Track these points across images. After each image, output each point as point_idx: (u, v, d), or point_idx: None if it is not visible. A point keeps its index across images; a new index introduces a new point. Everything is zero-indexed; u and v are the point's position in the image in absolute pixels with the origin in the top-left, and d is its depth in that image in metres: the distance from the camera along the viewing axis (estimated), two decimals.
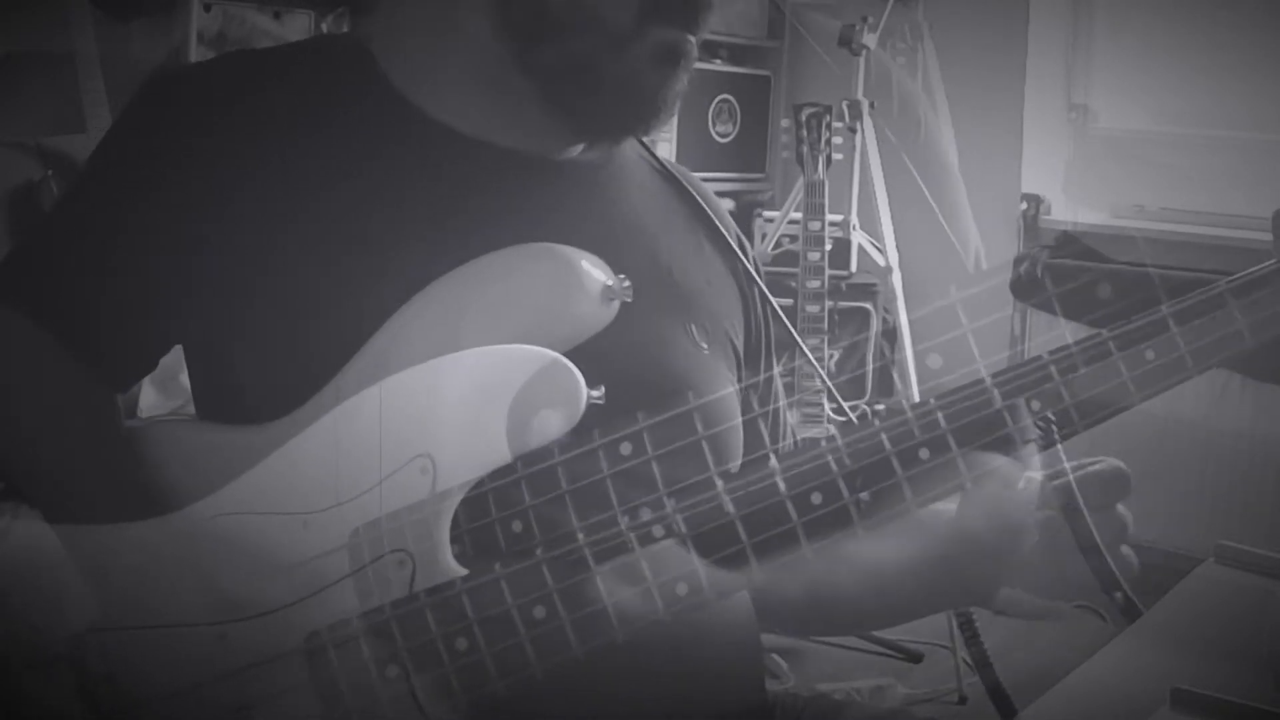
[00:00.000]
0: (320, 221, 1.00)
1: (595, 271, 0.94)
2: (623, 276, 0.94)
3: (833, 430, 0.90)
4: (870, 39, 3.24)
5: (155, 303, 1.02)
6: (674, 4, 1.03)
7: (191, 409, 1.10)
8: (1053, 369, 0.88)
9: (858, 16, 3.26)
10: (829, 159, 3.13)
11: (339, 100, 1.06)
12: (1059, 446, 0.90)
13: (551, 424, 0.90)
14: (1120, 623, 0.94)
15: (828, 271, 3.09)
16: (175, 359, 1.09)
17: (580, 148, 1.11)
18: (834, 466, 0.89)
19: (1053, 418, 0.89)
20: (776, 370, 1.25)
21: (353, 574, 0.90)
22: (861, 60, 3.25)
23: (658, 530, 0.88)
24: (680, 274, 1.14)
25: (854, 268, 3.34)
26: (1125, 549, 0.97)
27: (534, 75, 1.03)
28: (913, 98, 3.56)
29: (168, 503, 0.95)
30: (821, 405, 2.98)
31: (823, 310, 3.06)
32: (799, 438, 1.27)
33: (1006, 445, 0.89)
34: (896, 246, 3.27)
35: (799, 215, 3.13)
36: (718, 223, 1.21)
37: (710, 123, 3.76)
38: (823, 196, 3.10)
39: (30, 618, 0.95)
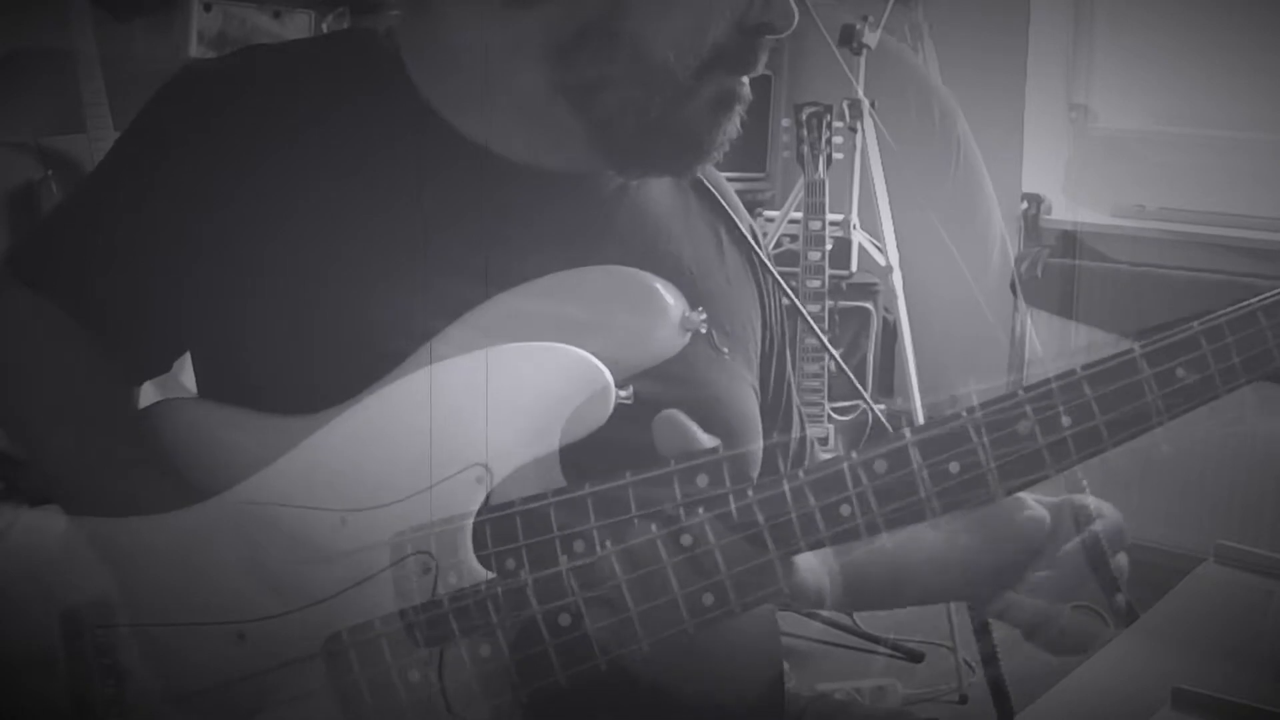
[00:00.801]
0: (339, 227, 1.00)
1: (675, 300, 0.94)
2: (700, 309, 0.95)
3: (829, 429, 0.90)
4: (871, 38, 3.24)
5: (172, 298, 1.02)
6: (738, 53, 1.02)
7: None
8: (1085, 385, 0.85)
9: (858, 16, 3.26)
10: (829, 158, 3.13)
11: (355, 99, 1.05)
12: (1084, 482, 0.90)
13: (581, 423, 0.90)
14: (1120, 625, 0.94)
15: (828, 271, 3.09)
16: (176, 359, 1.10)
17: (611, 175, 1.10)
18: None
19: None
20: (788, 365, 1.25)
21: (368, 579, 0.90)
22: (862, 59, 3.25)
23: (685, 539, 0.86)
24: (703, 277, 1.13)
25: (854, 267, 3.33)
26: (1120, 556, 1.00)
27: (588, 119, 1.02)
28: (929, 90, 3.55)
29: (186, 486, 0.95)
30: (822, 405, 2.98)
31: (823, 309, 3.06)
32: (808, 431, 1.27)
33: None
34: (897, 246, 3.26)
35: (799, 215, 3.13)
36: (734, 216, 1.20)
37: None
38: (823, 196, 3.10)
39: (31, 616, 0.95)
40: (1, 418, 1.06)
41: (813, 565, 1.05)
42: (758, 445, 1.10)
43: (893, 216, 3.26)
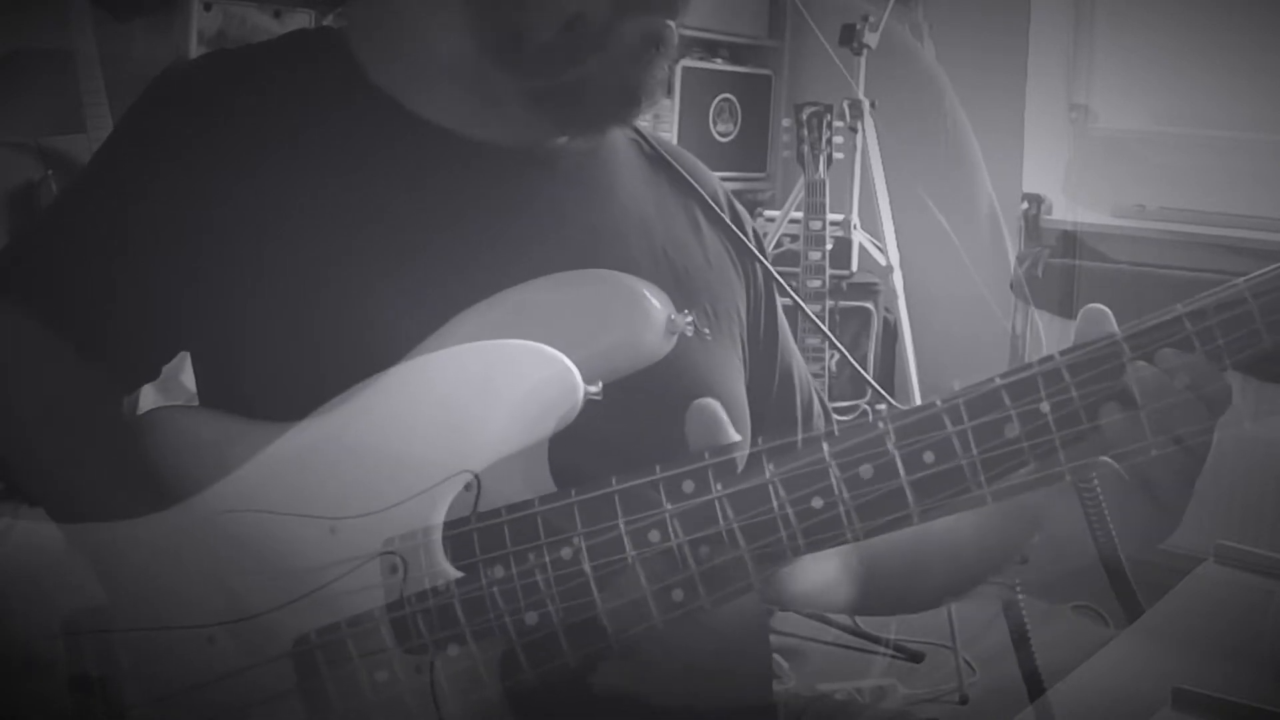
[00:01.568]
0: (312, 221, 1.00)
1: (660, 304, 0.94)
2: (686, 312, 0.95)
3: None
4: (872, 38, 3.23)
5: (155, 304, 1.02)
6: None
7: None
8: (1065, 372, 0.83)
9: (858, 15, 3.26)
10: (830, 158, 3.13)
11: (319, 99, 1.05)
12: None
13: (548, 419, 0.89)
14: (1120, 620, 0.94)
15: (828, 271, 3.09)
16: (176, 359, 1.09)
17: (563, 140, 1.10)
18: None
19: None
20: (780, 335, 1.23)
21: (338, 579, 0.89)
22: (863, 59, 3.25)
23: (654, 535, 0.86)
24: (678, 258, 1.13)
25: (855, 267, 3.33)
26: None
27: (516, 76, 1.02)
28: (938, 86, 3.55)
29: (177, 495, 0.94)
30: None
31: (824, 309, 3.06)
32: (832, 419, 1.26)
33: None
34: (897, 245, 3.26)
35: (800, 215, 3.13)
36: (709, 200, 1.19)
37: (711, 122, 3.76)
38: (823, 196, 3.09)
39: (30, 617, 0.94)
40: None
41: (816, 563, 1.03)
42: (745, 436, 1.09)
43: (893, 216, 3.26)
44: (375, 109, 1.05)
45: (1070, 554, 0.96)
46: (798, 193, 3.17)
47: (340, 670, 0.89)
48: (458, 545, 0.89)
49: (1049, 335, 3.36)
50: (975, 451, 0.83)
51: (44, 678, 0.93)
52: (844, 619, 2.97)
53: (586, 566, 0.86)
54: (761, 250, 1.22)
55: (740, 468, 0.87)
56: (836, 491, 0.84)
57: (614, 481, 0.87)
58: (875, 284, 3.38)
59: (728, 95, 3.80)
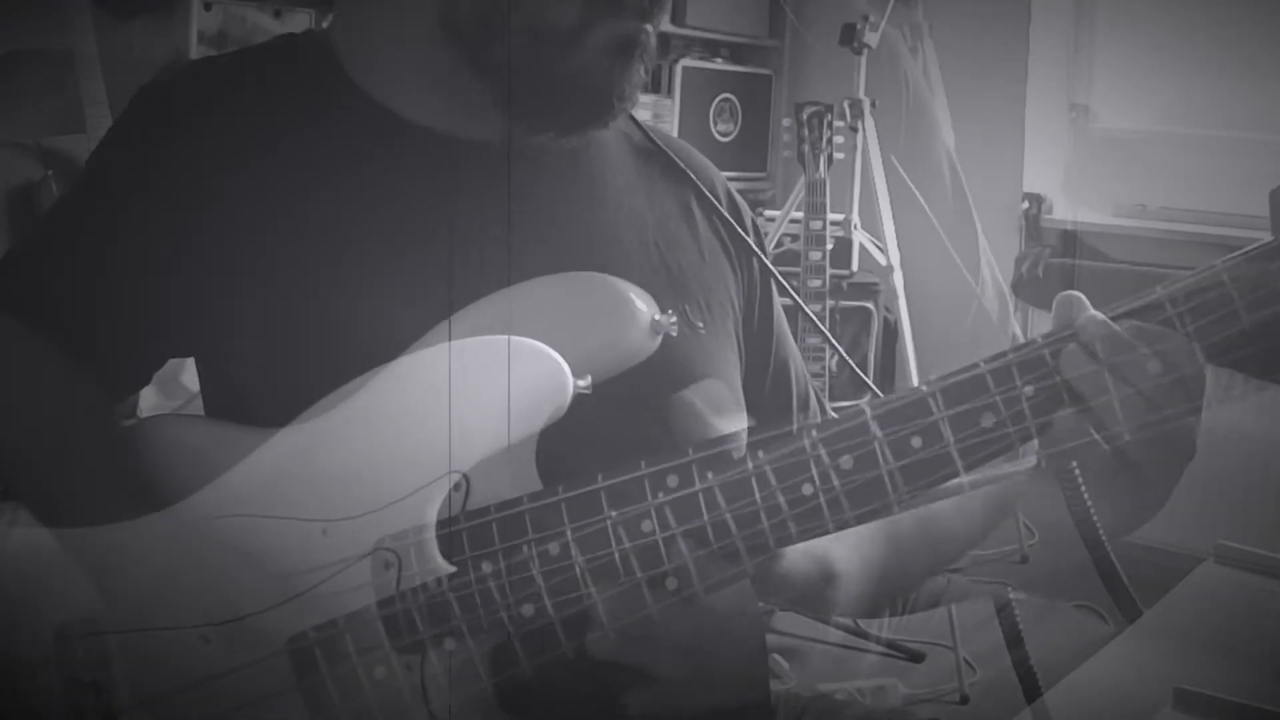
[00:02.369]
0: (301, 224, 1.00)
1: (645, 305, 0.95)
2: (670, 312, 0.95)
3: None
4: (872, 38, 3.23)
5: (147, 311, 1.02)
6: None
7: (192, 408, 1.09)
8: (1045, 352, 0.84)
9: (859, 15, 3.26)
10: (830, 158, 3.13)
11: (305, 102, 1.05)
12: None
13: (538, 415, 0.90)
14: (1120, 622, 0.94)
15: (829, 271, 3.09)
16: (176, 359, 1.09)
17: (545, 140, 1.09)
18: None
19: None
20: (774, 331, 1.22)
21: (331, 578, 0.89)
22: (863, 59, 3.25)
23: (646, 525, 0.87)
24: (670, 251, 1.12)
25: (855, 267, 3.33)
26: None
27: (484, 75, 1.01)
28: (925, 98, 3.55)
29: (171, 502, 0.95)
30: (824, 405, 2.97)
31: (824, 309, 3.06)
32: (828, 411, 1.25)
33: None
34: (898, 245, 3.26)
35: (800, 214, 3.12)
36: (705, 191, 1.18)
37: (711, 122, 3.76)
38: (824, 195, 3.09)
39: (29, 618, 0.95)
40: None
41: (814, 553, 1.03)
42: (740, 430, 1.09)
43: (893, 216, 3.26)
44: (360, 111, 1.05)
45: (1068, 549, 0.96)
46: (798, 192, 3.17)
47: (338, 667, 0.89)
48: (446, 544, 0.90)
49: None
50: (953, 437, 0.84)
51: (39, 680, 0.93)
52: (844, 619, 2.97)
53: (579, 559, 0.87)
54: (760, 245, 1.21)
55: (740, 454, 0.87)
56: (830, 478, 0.85)
57: (600, 478, 0.88)
58: (876, 284, 3.38)
59: (728, 95, 3.81)
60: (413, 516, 0.89)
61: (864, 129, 3.24)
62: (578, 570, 0.87)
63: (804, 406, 1.24)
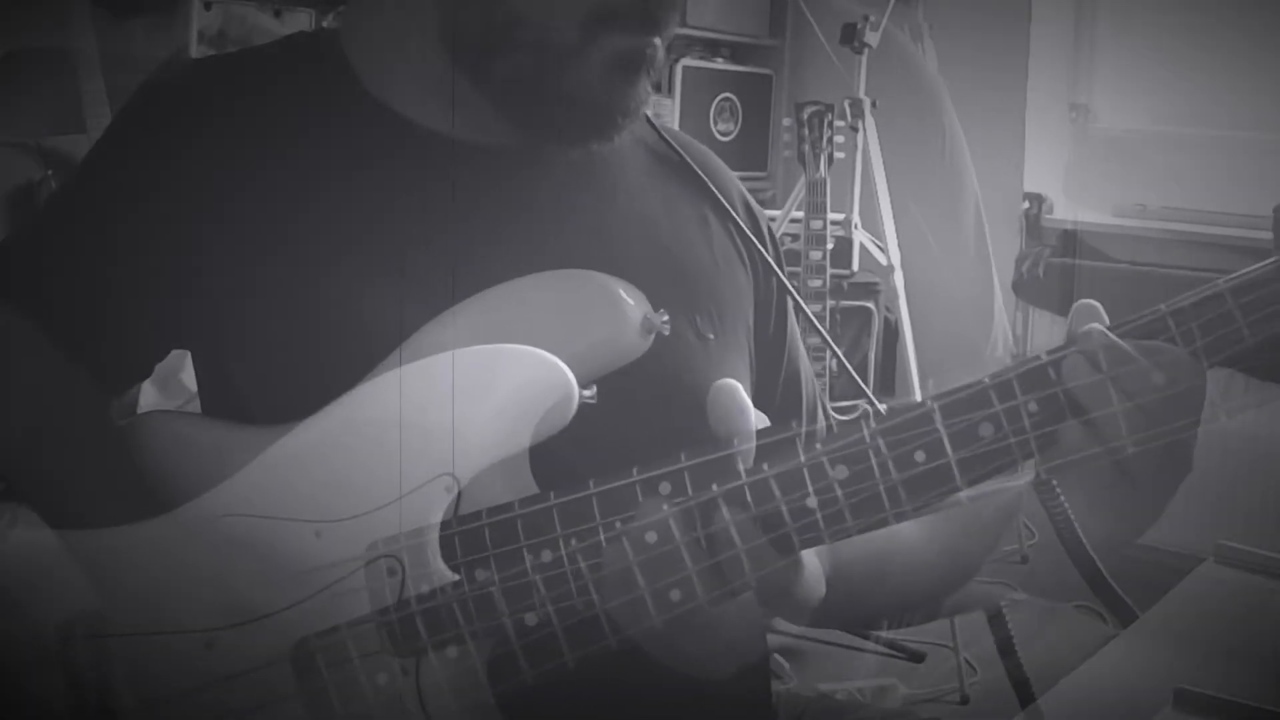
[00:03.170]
0: (305, 224, 0.99)
1: (635, 302, 0.93)
2: (661, 311, 0.93)
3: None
4: (873, 37, 3.23)
5: (147, 304, 1.02)
6: (626, 10, 0.97)
7: (191, 407, 1.09)
8: (1050, 371, 0.83)
9: (859, 15, 3.26)
10: (830, 157, 3.13)
11: (312, 103, 1.04)
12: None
13: (544, 425, 0.89)
14: (1116, 623, 0.94)
15: (829, 270, 3.09)
16: (175, 358, 1.09)
17: (551, 148, 1.07)
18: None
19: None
20: (789, 348, 1.20)
21: (333, 585, 0.89)
22: (863, 59, 3.25)
23: (650, 536, 0.85)
24: (683, 258, 1.11)
25: (856, 266, 3.33)
26: None
27: (484, 88, 1.00)
28: (937, 98, 3.54)
29: (167, 499, 0.94)
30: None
31: (824, 309, 3.06)
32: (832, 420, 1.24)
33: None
34: (898, 245, 3.26)
35: (800, 214, 3.12)
36: (721, 198, 1.16)
37: (712, 121, 3.76)
38: (824, 195, 3.09)
39: (28, 618, 0.94)
40: None
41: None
42: (748, 445, 1.07)
43: (894, 216, 3.26)
44: (367, 114, 1.04)
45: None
46: (798, 192, 3.17)
47: (340, 672, 0.89)
48: (448, 548, 0.89)
49: (1050, 335, 3.36)
50: (953, 453, 0.83)
51: (41, 680, 0.93)
52: None
53: (582, 566, 0.86)
54: (777, 255, 1.19)
55: (748, 464, 0.86)
56: (833, 490, 0.83)
57: (591, 484, 0.87)
58: (876, 283, 3.38)
59: (728, 95, 3.81)
60: (412, 519, 0.88)
61: (864, 128, 3.24)
62: (582, 578, 0.86)
63: (813, 418, 1.22)
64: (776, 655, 2.82)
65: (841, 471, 0.83)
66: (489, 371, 0.90)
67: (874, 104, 3.25)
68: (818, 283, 3.06)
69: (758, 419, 0.87)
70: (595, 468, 0.88)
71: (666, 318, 0.93)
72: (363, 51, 1.06)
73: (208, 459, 0.94)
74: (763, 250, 1.17)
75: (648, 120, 1.14)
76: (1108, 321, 0.84)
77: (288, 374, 0.97)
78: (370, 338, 0.93)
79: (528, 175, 1.06)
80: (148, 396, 1.67)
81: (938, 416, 0.82)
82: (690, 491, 0.85)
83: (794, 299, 1.20)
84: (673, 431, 0.89)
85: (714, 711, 1.06)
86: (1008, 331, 3.47)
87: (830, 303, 3.09)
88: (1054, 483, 0.88)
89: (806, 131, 3.12)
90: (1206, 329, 0.82)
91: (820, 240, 3.07)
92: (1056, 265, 3.44)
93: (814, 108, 3.13)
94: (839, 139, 3.15)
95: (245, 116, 1.03)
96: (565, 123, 1.01)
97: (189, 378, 1.08)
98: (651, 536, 0.84)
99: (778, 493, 0.84)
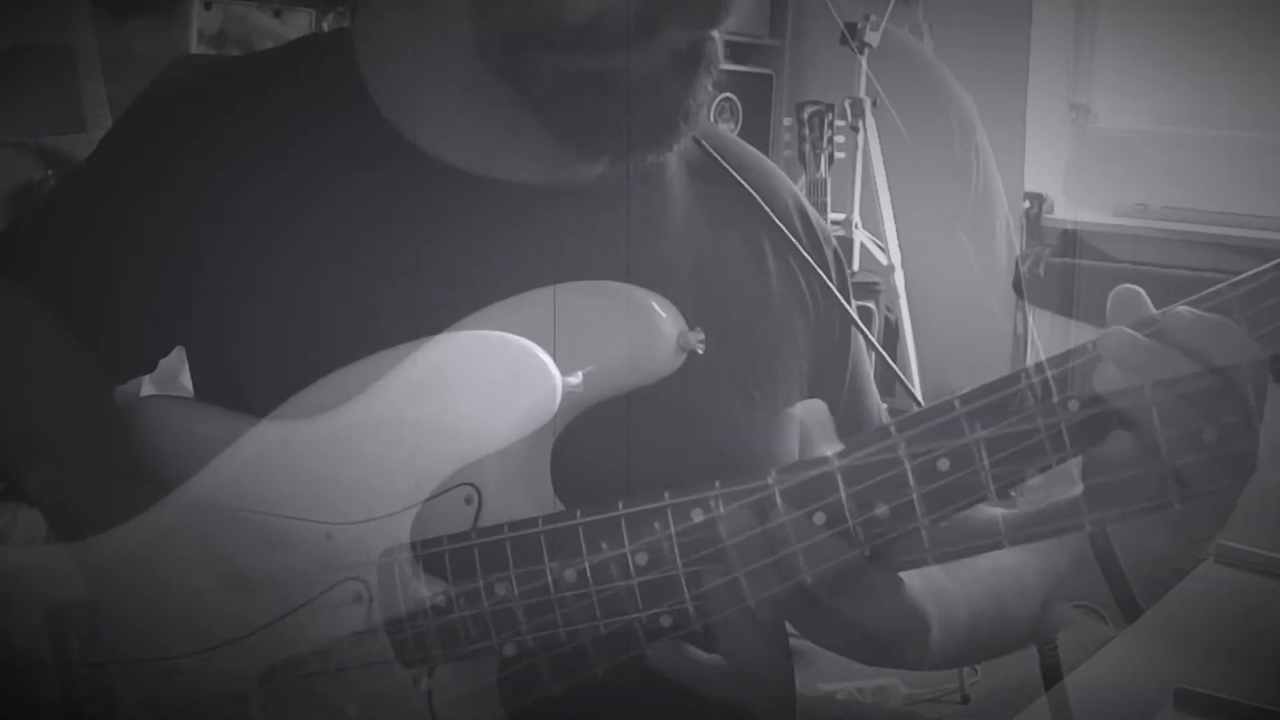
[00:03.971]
0: (308, 231, 0.97)
1: (670, 318, 0.88)
2: (698, 329, 0.88)
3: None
4: (873, 37, 3.24)
5: (152, 296, 1.01)
6: (688, 3, 0.88)
7: None
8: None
9: (860, 14, 3.26)
10: (831, 157, 3.13)
11: (317, 112, 0.99)
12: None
13: (529, 415, 0.85)
14: (1120, 623, 0.93)
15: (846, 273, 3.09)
16: (176, 359, 1.09)
17: (597, 170, 0.97)
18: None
19: None
20: (866, 374, 1.11)
21: (296, 610, 0.86)
22: (864, 58, 3.25)
23: (641, 559, 0.80)
24: (735, 308, 1.01)
25: (856, 266, 3.34)
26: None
27: (527, 92, 0.91)
28: (947, 93, 3.52)
29: (166, 486, 0.92)
30: None
31: None
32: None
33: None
34: (899, 245, 3.26)
35: None
36: (780, 222, 1.05)
37: (712, 121, 3.76)
38: (825, 195, 3.10)
39: (29, 618, 0.94)
40: None
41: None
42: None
43: (894, 216, 3.26)
44: (378, 139, 0.98)
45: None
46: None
47: (306, 706, 0.86)
48: (457, 560, 0.84)
49: (1051, 334, 3.36)
50: (988, 461, 0.75)
51: (41, 679, 0.92)
52: None
53: (634, 580, 0.81)
54: (843, 282, 1.09)
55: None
56: (849, 511, 0.77)
57: (620, 505, 0.81)
58: (877, 283, 3.38)
59: (729, 94, 3.80)
60: (426, 529, 0.85)
61: (865, 128, 3.24)
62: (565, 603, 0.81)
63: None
64: None
65: (872, 494, 0.77)
66: (469, 362, 0.87)
67: (874, 103, 3.25)
68: None
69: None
70: (615, 489, 0.83)
71: (702, 336, 0.88)
72: (375, 60, 1.00)
73: (209, 446, 0.92)
74: (826, 279, 1.06)
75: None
76: (1153, 311, 0.76)
77: (287, 375, 0.96)
78: (371, 344, 0.91)
79: (553, 212, 0.97)
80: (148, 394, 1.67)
81: (968, 423, 0.76)
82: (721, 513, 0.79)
83: (859, 329, 1.10)
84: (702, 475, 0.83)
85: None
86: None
87: None
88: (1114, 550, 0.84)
89: (807, 131, 3.12)
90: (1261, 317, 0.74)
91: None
92: (1057, 265, 3.44)
93: (814, 107, 3.13)
94: (839, 139, 3.15)
95: (254, 119, 1.00)
96: (619, 129, 0.91)
97: (189, 379, 1.08)
98: (642, 559, 0.80)
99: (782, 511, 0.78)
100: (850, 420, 1.10)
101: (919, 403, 0.91)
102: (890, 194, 3.27)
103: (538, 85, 0.90)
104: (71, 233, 1.04)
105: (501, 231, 0.95)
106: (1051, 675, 0.98)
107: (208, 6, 2.69)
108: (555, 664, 0.82)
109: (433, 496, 0.85)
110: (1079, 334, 0.86)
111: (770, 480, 0.79)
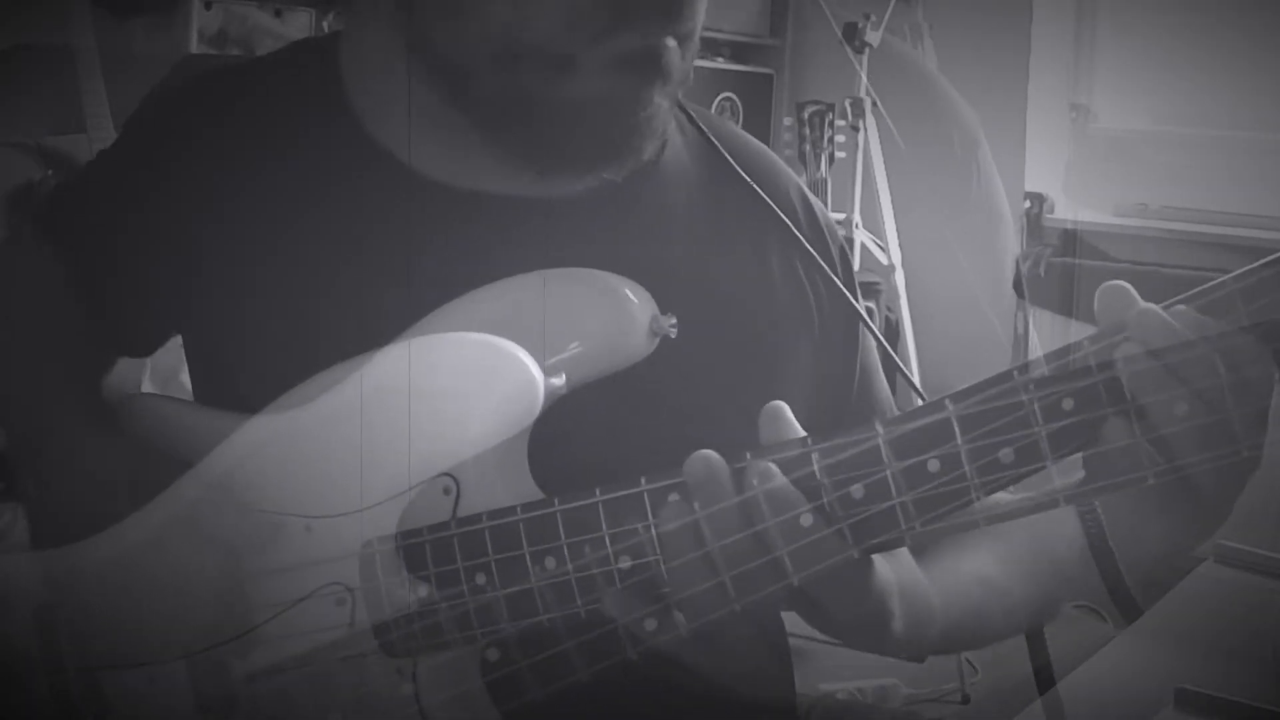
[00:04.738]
0: (302, 237, 0.96)
1: (642, 303, 0.87)
2: (670, 315, 0.86)
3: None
4: (874, 36, 3.24)
5: (154, 284, 1.01)
6: (634, 4, 0.84)
7: None
8: (1092, 361, 0.72)
9: (860, 14, 3.26)
10: (831, 157, 3.13)
11: (304, 122, 0.98)
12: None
13: (510, 419, 0.85)
14: (1120, 622, 0.92)
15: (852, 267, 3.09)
16: (175, 359, 1.09)
17: (580, 185, 0.93)
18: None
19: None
20: (874, 369, 1.08)
21: (277, 615, 0.85)
22: (865, 58, 3.25)
23: (624, 561, 0.78)
24: (737, 313, 0.99)
25: (856, 266, 3.33)
26: None
27: (469, 112, 0.88)
28: (972, 135, 3.49)
29: (151, 486, 0.91)
30: None
31: None
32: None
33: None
34: (899, 245, 3.26)
35: None
36: (786, 220, 1.01)
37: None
38: (825, 195, 3.10)
39: (27, 618, 0.94)
40: None
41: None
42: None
43: (895, 216, 3.26)
44: (360, 151, 0.96)
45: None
46: None
47: (323, 684, 0.85)
48: (437, 550, 0.84)
49: (1051, 334, 3.36)
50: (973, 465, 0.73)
51: (26, 674, 0.92)
52: None
53: (551, 600, 0.81)
54: (849, 278, 1.05)
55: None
56: (835, 508, 0.75)
57: (598, 492, 0.80)
58: (877, 283, 3.38)
59: (729, 94, 3.80)
60: (406, 521, 0.84)
61: (865, 128, 3.24)
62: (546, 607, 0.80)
63: None
64: None
65: (858, 492, 0.75)
66: (450, 363, 0.86)
67: (874, 103, 3.25)
68: None
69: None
70: (590, 474, 0.82)
71: (674, 321, 0.86)
72: (356, 73, 0.98)
73: (197, 443, 0.91)
74: (832, 275, 1.03)
75: (689, 117, 1.01)
76: (1142, 304, 0.73)
77: (283, 375, 0.95)
78: (367, 346, 0.91)
79: (537, 222, 0.94)
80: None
81: (956, 425, 0.73)
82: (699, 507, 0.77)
83: (866, 324, 1.07)
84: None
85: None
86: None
87: None
88: (1096, 508, 0.82)
89: (807, 131, 3.12)
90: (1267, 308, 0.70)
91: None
92: (1057, 264, 3.44)
93: (815, 107, 3.13)
94: (840, 138, 3.15)
95: (247, 127, 1.00)
96: (562, 148, 0.88)
97: (189, 379, 1.08)
98: (625, 562, 0.78)
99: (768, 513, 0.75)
100: (862, 417, 1.05)
101: (922, 396, 0.89)
102: (891, 194, 3.27)
103: (479, 109, 0.88)
104: (80, 223, 1.05)
105: (494, 244, 0.94)
106: (1043, 675, 0.97)
107: (208, 6, 2.69)
108: (538, 669, 0.81)
109: (411, 488, 0.85)
110: (1079, 333, 0.86)
111: (748, 458, 0.76)
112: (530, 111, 0.86)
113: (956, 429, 0.73)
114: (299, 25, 2.82)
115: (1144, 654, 0.99)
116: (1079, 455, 0.74)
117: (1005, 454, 0.73)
